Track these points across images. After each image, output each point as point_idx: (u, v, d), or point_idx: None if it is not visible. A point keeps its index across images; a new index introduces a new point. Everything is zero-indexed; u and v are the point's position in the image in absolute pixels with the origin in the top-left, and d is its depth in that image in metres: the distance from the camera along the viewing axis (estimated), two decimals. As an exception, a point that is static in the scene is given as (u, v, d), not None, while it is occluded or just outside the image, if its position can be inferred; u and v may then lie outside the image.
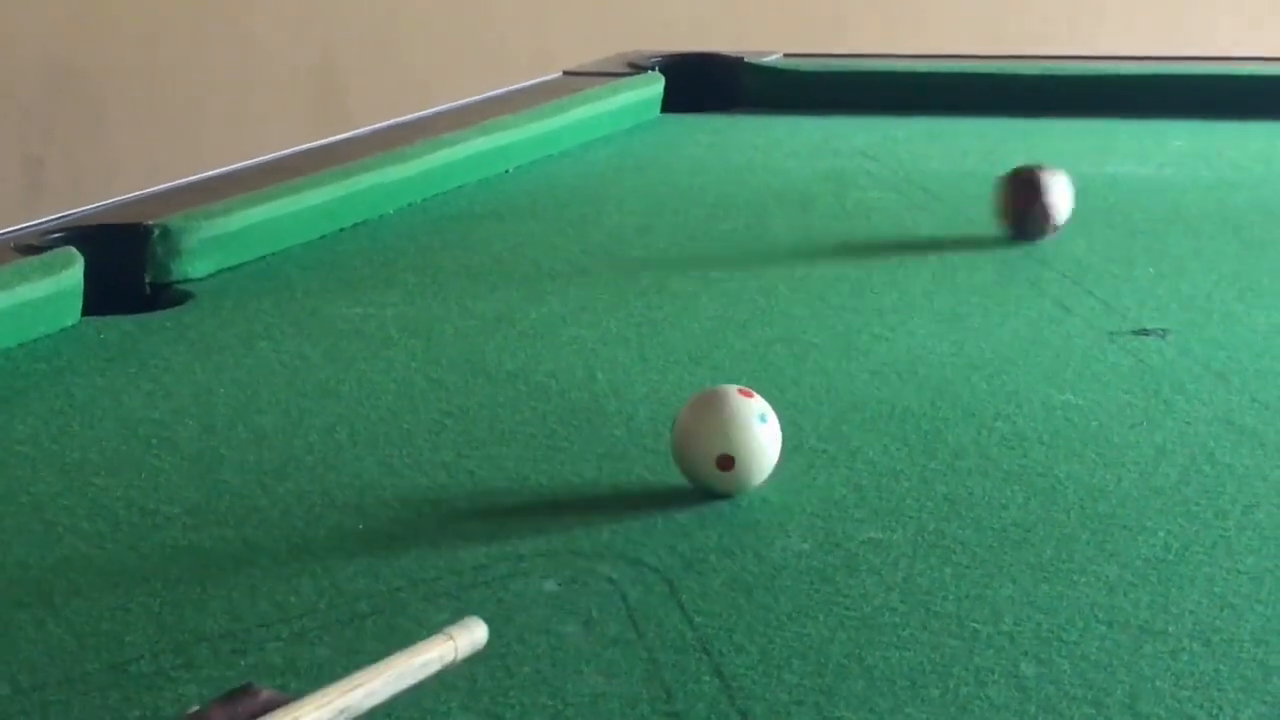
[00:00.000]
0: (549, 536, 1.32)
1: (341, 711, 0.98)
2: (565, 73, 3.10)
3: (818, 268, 2.09)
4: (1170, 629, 1.16)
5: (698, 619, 1.18)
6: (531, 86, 2.96)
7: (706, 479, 1.37)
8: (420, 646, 1.04)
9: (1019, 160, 2.65)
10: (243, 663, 1.13)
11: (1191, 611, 1.19)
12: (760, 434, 1.37)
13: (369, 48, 4.79)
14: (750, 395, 1.39)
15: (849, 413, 1.58)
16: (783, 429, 1.41)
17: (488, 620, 1.17)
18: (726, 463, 1.36)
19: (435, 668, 1.05)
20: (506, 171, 2.58)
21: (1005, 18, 4.44)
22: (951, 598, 1.21)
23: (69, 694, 1.10)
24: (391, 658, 1.03)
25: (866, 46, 3.79)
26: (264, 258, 2.11)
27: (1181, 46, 3.84)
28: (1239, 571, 1.25)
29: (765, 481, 1.39)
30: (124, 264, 1.99)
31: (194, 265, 2.03)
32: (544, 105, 2.75)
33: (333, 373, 1.72)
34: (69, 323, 1.86)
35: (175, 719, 0.95)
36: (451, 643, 1.06)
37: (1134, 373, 1.68)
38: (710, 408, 1.39)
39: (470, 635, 1.08)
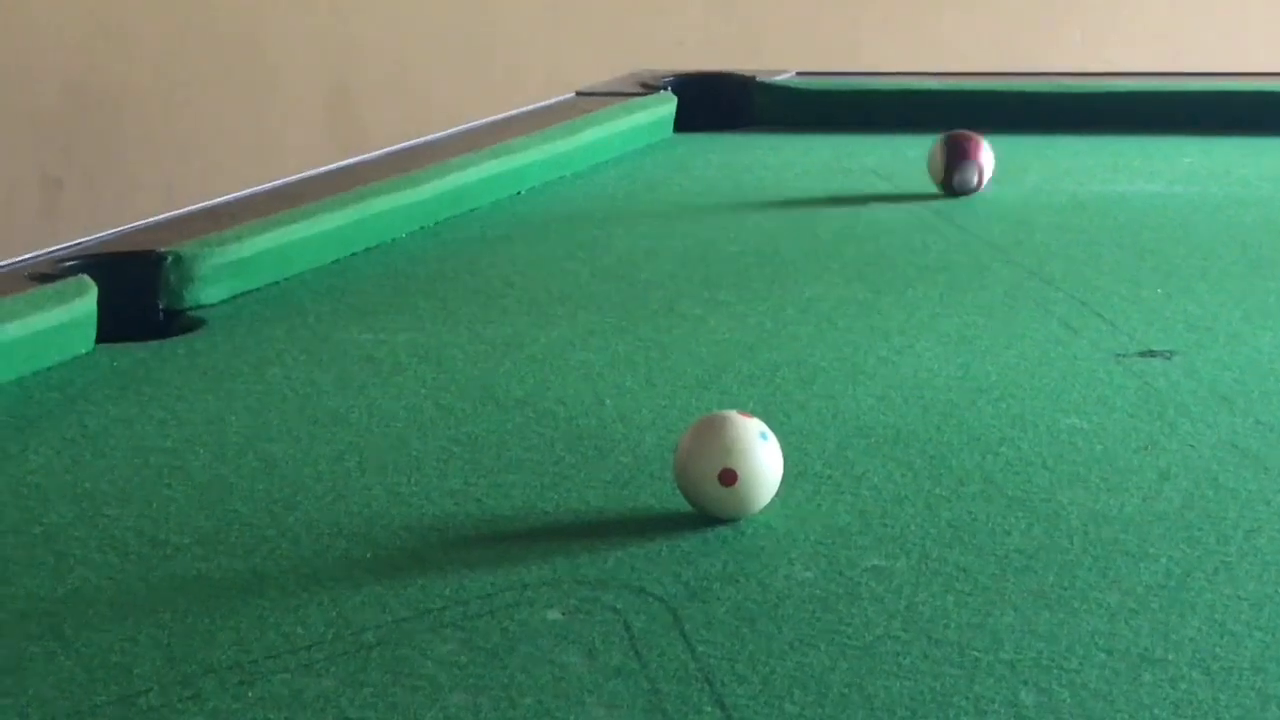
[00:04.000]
0: (554, 564, 1.33)
1: None
2: (577, 93, 3.11)
3: (826, 289, 2.10)
4: (1170, 657, 1.17)
5: (700, 648, 1.19)
6: (544, 107, 2.98)
7: (710, 498, 1.39)
8: None
9: (1031, 178, 2.67)
10: (249, 694, 1.15)
11: (1191, 639, 1.19)
12: (761, 450, 1.39)
13: (383, 71, 4.81)
14: (750, 417, 1.41)
15: (854, 437, 1.59)
16: (788, 454, 1.42)
17: (492, 650, 1.19)
18: (729, 477, 1.37)
19: None
20: (519, 193, 2.59)
21: (1016, 36, 4.45)
22: (953, 626, 1.22)
23: (78, 726, 1.11)
24: None
25: (878, 65, 3.80)
26: (276, 283, 2.12)
27: (1192, 63, 3.84)
28: (1240, 598, 1.25)
29: (769, 503, 1.40)
30: (137, 291, 2.01)
31: (207, 292, 2.04)
32: (556, 126, 2.76)
33: (343, 399, 1.74)
34: (82, 351, 1.88)
35: None
36: None
37: (1139, 396, 1.69)
38: (710, 427, 1.40)
39: None
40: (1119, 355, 1.81)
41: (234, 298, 2.07)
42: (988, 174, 2.49)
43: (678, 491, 1.41)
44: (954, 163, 2.49)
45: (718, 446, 1.38)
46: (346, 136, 4.65)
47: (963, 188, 2.48)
